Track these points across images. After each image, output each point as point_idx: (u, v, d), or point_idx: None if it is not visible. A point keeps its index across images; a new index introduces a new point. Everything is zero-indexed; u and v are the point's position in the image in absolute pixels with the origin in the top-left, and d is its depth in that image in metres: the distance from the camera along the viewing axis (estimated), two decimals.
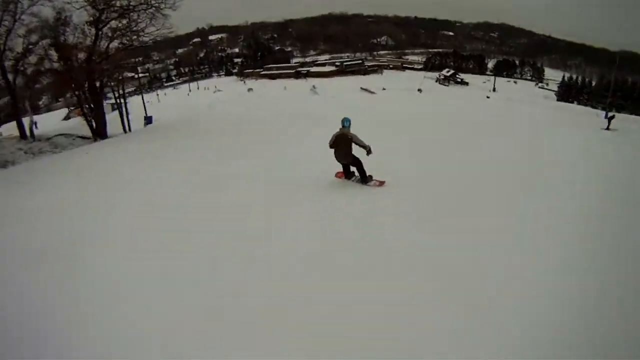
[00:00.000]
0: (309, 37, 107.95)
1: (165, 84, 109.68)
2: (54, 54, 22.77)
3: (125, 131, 27.93)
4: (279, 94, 54.92)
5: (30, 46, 22.16)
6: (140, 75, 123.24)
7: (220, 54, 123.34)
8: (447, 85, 61.96)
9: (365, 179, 8.58)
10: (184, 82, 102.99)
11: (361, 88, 58.63)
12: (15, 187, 10.39)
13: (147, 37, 24.19)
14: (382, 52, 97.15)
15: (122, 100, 29.75)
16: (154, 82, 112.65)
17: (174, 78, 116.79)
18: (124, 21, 23.25)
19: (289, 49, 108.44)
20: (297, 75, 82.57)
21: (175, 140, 16.03)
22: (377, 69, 77.09)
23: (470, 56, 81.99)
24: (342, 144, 8.35)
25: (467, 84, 63.50)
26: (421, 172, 9.39)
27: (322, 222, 6.56)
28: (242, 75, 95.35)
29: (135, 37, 23.78)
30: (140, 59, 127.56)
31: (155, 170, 10.47)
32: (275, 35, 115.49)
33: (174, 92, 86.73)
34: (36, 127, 34.26)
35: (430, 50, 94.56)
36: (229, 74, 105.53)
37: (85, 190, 9.26)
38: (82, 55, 22.59)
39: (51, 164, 14.58)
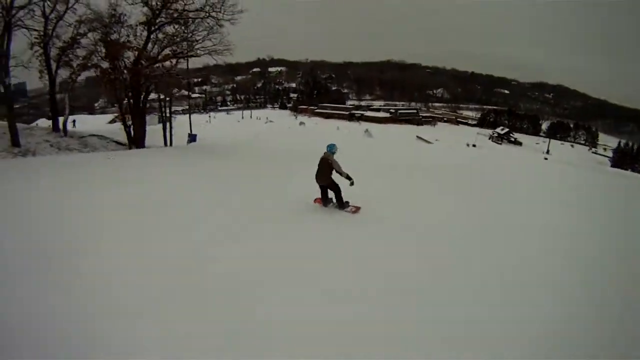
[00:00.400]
0: (365, 81, 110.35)
1: (220, 108, 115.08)
2: (102, 50, 21.44)
3: (165, 144, 27.23)
4: (332, 133, 55.15)
5: (78, 37, 20.99)
6: (196, 95, 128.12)
7: (277, 86, 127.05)
8: (500, 144, 61.40)
9: (342, 204, 9.02)
10: (238, 108, 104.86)
11: (417, 137, 59.35)
12: None
13: (201, 50, 22.85)
14: (436, 104, 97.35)
15: (167, 113, 29.33)
16: (209, 104, 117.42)
17: (228, 103, 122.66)
18: (179, 27, 22.29)
19: (345, 90, 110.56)
20: (351, 117, 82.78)
21: (205, 162, 14.94)
22: (431, 121, 77.11)
23: (524, 116, 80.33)
24: (323, 167, 8.71)
25: (520, 143, 62.64)
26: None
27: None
28: (296, 110, 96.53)
29: (188, 46, 22.71)
30: (199, 79, 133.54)
31: (154, 189, 9.40)
32: (333, 75, 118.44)
33: (226, 116, 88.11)
34: (74, 125, 34.07)
35: (484, 106, 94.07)
36: (283, 107, 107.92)
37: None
38: (130, 56, 21.54)
39: (63, 162, 13.65)
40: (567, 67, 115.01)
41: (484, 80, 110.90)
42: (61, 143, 20.98)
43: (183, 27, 21.91)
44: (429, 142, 53.01)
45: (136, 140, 22.36)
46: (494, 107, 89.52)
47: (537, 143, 64.21)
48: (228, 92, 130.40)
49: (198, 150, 20.35)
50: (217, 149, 21.02)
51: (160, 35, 21.73)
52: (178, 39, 21.94)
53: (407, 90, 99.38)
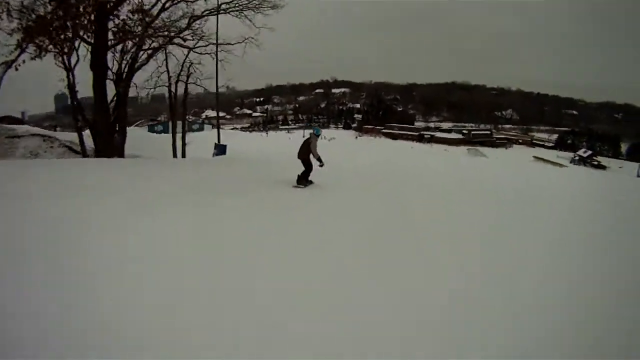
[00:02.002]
0: (432, 103, 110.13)
1: (281, 127, 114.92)
2: None
3: (174, 156, 23.72)
4: (407, 153, 54.18)
5: None
6: (257, 114, 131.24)
7: (340, 107, 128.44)
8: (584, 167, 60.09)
9: (301, 180, 10.40)
10: (300, 127, 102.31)
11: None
12: None
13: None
14: (506, 126, 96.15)
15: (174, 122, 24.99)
16: (271, 123, 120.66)
17: (290, 122, 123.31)
18: None
19: (412, 111, 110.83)
20: (420, 138, 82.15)
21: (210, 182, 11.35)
22: (506, 143, 76.11)
23: (604, 136, 77.31)
24: (304, 146, 10.32)
25: (604, 167, 61.06)
26: None
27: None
28: (360, 130, 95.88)
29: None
30: (261, 98, 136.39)
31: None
32: (398, 97, 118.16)
33: (285, 134, 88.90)
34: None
35: (555, 128, 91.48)
36: (347, 127, 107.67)
37: None
38: None
39: None
40: (635, 86, 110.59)
41: (550, 100, 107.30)
42: None
43: None
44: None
45: (104, 145, 16.80)
46: (566, 129, 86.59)
47: (619, 167, 62.16)
48: (290, 112, 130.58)
49: (215, 165, 16.58)
50: (253, 164, 17.10)
51: None
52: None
53: (475, 111, 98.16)
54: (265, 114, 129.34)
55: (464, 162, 32.92)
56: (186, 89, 23.70)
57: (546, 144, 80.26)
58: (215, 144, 25.89)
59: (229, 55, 22.04)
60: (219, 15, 20.32)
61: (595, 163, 62.41)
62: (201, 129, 48.38)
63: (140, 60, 18.54)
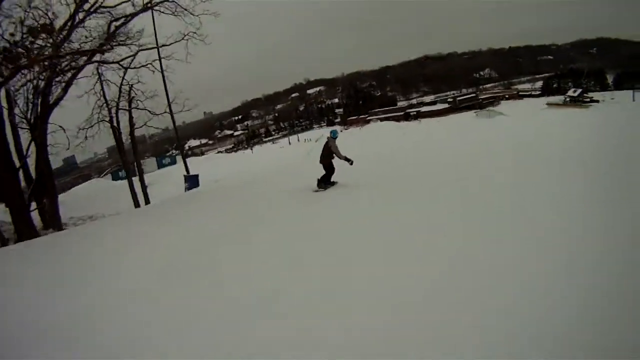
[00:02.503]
0: (408, 80, 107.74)
1: (265, 139, 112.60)
2: None
3: (137, 206, 19.97)
4: (413, 132, 50.36)
5: None
6: (239, 132, 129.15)
7: (319, 105, 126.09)
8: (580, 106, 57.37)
9: (322, 183, 9.89)
10: (284, 136, 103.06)
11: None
12: None
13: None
14: (487, 86, 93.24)
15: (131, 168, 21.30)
16: (253, 139, 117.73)
17: (272, 133, 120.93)
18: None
19: (390, 93, 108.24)
20: (407, 117, 78.93)
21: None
22: (494, 101, 73.40)
23: (588, 73, 73.75)
24: (324, 150, 9.83)
25: (597, 101, 58.23)
26: None
27: None
28: (345, 123, 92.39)
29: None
30: (239, 117, 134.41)
31: None
32: (374, 83, 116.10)
33: (272, 146, 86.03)
34: None
35: (535, 76, 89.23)
36: (330, 123, 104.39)
37: None
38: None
39: None
40: (606, 19, 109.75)
41: (523, 52, 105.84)
42: None
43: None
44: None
45: (19, 222, 12.56)
46: (548, 74, 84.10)
47: (612, 98, 59.47)
48: (271, 122, 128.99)
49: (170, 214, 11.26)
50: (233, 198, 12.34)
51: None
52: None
53: (453, 78, 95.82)
54: (246, 130, 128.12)
55: (492, 127, 27.73)
56: (131, 116, 19.88)
57: (532, 93, 77.58)
58: (185, 176, 22.33)
59: (173, 63, 18.96)
60: (151, 15, 16.99)
61: (588, 100, 59.74)
62: (173, 162, 44.59)
63: (56, 94, 14.54)
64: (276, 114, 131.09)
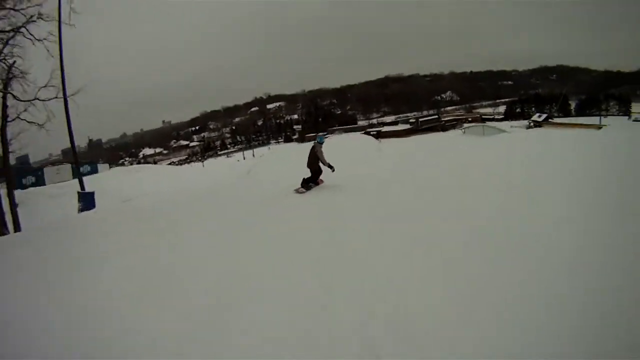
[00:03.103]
0: (369, 100, 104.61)
1: (220, 152, 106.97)
2: None
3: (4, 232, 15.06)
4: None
5: None
6: (195, 143, 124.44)
7: (278, 121, 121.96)
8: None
9: (308, 183, 9.90)
10: (239, 150, 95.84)
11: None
12: None
13: None
14: (449, 108, 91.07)
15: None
16: (208, 151, 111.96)
17: (229, 146, 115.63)
18: None
19: (351, 112, 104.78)
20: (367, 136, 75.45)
21: None
22: (456, 123, 70.11)
23: (551, 98, 72.98)
24: (311, 155, 9.83)
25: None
26: None
27: None
28: (303, 140, 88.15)
29: None
30: (197, 127, 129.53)
31: None
32: (335, 101, 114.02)
33: (227, 160, 79.41)
34: None
35: (496, 101, 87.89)
36: (288, 140, 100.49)
37: None
38: None
39: None
40: (560, 47, 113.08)
41: (484, 76, 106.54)
42: None
43: None
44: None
45: None
46: (511, 99, 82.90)
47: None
48: (227, 135, 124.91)
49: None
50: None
51: None
52: None
53: (414, 100, 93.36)
54: (202, 142, 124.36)
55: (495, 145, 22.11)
56: (4, 104, 15.23)
57: (495, 117, 75.18)
58: (79, 193, 16.38)
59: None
60: None
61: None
62: (94, 171, 36.82)
63: None
64: (234, 127, 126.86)
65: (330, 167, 9.59)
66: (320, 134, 10.19)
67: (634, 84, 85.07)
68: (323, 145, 9.83)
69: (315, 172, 9.92)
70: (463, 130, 54.99)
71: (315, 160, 9.71)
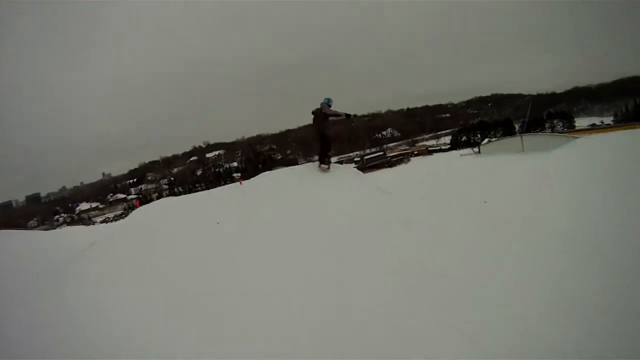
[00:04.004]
0: (310, 142, 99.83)
1: None
2: None
3: None
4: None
5: None
6: (133, 196, 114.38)
7: (217, 169, 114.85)
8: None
9: (321, 158, 9.03)
10: None
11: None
12: None
13: None
14: (391, 144, 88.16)
15: None
16: (145, 203, 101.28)
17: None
18: None
19: (291, 156, 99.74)
20: None
21: None
22: (403, 158, 65.90)
23: (497, 123, 72.21)
24: (317, 117, 8.91)
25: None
26: None
27: None
28: None
29: None
30: (135, 179, 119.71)
31: None
32: (274, 146, 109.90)
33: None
34: None
35: (437, 133, 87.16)
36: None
37: None
38: None
39: None
40: (491, 78, 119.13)
41: (421, 111, 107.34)
42: None
43: None
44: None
45: None
46: (452, 130, 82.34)
47: None
48: (165, 187, 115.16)
49: None
50: None
51: None
52: None
53: (356, 139, 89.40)
54: (139, 195, 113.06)
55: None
56: None
57: (442, 147, 72.24)
58: None
59: None
60: None
61: None
62: None
63: None
64: (172, 178, 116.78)
65: (348, 115, 8.97)
66: (327, 96, 9.14)
67: (569, 101, 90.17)
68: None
69: (323, 139, 8.99)
70: (460, 154, 49.51)
71: (324, 125, 8.91)
